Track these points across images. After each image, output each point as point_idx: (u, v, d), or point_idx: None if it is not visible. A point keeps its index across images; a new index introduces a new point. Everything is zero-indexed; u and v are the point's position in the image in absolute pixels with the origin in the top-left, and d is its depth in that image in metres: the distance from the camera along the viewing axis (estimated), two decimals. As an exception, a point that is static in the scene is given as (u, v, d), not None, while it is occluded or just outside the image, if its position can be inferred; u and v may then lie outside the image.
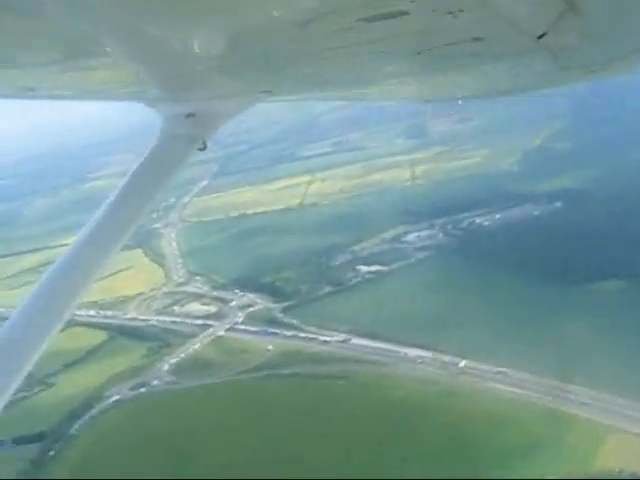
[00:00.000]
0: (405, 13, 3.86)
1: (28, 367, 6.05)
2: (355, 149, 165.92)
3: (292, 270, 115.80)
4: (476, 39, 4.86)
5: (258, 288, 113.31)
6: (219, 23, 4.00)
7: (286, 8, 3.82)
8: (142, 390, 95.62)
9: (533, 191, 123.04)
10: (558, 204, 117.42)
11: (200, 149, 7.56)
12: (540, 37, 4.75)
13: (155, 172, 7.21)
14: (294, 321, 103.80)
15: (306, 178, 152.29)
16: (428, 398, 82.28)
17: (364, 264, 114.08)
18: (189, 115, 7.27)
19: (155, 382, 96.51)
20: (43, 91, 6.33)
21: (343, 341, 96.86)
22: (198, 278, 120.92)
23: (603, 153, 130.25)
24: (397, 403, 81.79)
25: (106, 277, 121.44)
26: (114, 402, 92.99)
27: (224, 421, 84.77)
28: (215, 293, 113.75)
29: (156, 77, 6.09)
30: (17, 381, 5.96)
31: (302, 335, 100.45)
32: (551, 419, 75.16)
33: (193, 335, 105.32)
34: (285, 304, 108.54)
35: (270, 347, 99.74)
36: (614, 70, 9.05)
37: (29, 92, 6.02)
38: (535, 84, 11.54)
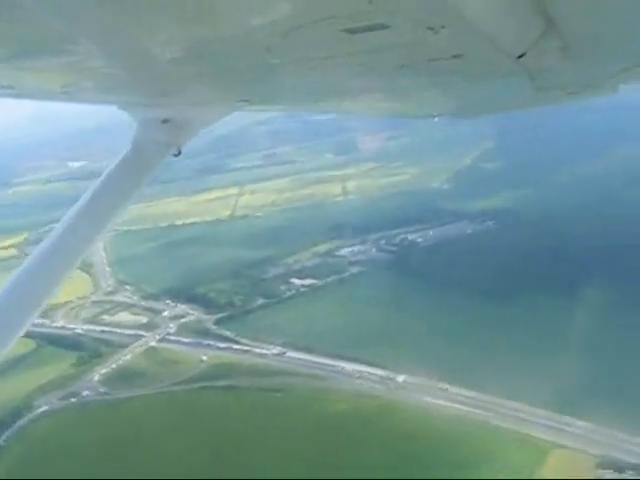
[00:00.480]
0: (386, 27, 3.87)
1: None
2: (285, 162, 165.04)
3: (224, 282, 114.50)
4: (456, 56, 4.88)
5: (190, 299, 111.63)
6: (197, 30, 3.99)
7: (266, 17, 3.76)
8: (72, 400, 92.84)
9: (465, 209, 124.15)
10: (490, 223, 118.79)
11: (175, 155, 7.68)
12: (520, 57, 4.82)
13: (128, 176, 7.35)
14: (228, 333, 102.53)
15: (236, 190, 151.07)
16: (368, 412, 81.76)
17: (297, 277, 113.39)
18: (165, 121, 7.38)
19: (86, 392, 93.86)
20: (18, 89, 6.20)
21: (279, 354, 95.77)
22: (128, 287, 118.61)
23: (533, 173, 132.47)
24: (337, 417, 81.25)
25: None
26: (43, 412, 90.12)
27: (158, 433, 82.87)
28: (145, 303, 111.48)
29: (133, 81, 6.07)
30: None
31: (236, 347, 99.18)
32: (493, 435, 75.46)
33: (124, 345, 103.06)
34: (218, 316, 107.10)
35: (204, 357, 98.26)
36: (592, 93, 9.57)
37: (6, 90, 5.95)
38: (513, 105, 12.10)
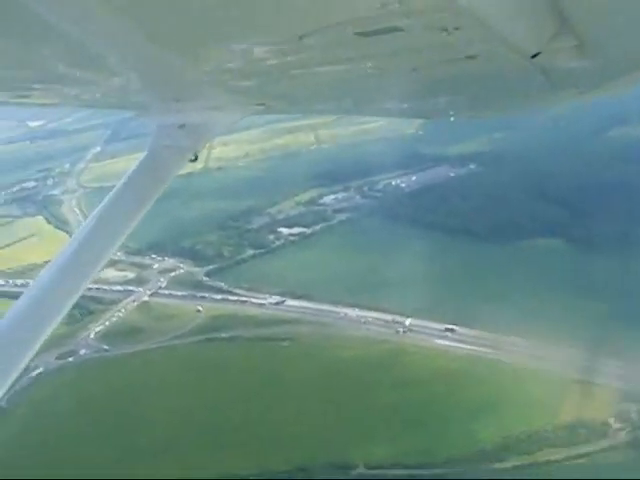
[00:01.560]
0: (400, 29, 3.89)
1: (25, 361, 6.33)
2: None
3: (211, 234, 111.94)
4: (470, 57, 4.92)
5: (177, 252, 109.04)
6: (213, 34, 4.00)
7: (281, 20, 3.77)
8: (70, 359, 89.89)
9: (444, 154, 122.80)
10: (472, 166, 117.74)
11: (191, 160, 7.81)
12: (534, 56, 4.82)
13: (146, 181, 7.42)
14: (222, 284, 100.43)
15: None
16: (379, 357, 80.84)
17: (284, 226, 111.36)
18: (181, 126, 7.45)
19: (83, 351, 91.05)
20: (34, 98, 6.47)
21: (277, 303, 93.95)
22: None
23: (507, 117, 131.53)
24: (349, 362, 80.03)
25: (7, 246, 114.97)
26: (42, 372, 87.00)
27: (169, 387, 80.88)
28: (130, 258, 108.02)
29: (149, 87, 6.18)
30: (15, 373, 6.24)
31: (233, 298, 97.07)
32: (508, 373, 74.86)
33: (115, 301, 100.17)
34: (209, 268, 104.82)
35: (200, 308, 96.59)
36: (606, 91, 9.68)
37: (22, 99, 6.29)
38: (527, 103, 12.24)
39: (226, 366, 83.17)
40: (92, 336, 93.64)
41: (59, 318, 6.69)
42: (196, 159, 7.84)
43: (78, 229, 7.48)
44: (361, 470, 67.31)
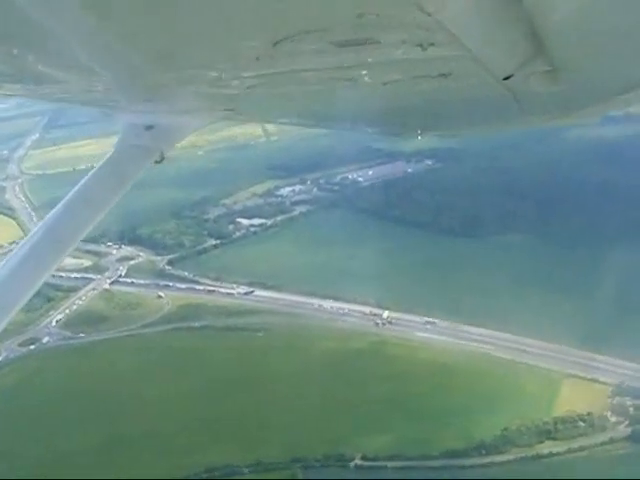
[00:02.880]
0: (375, 41, 3.84)
1: None
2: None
3: (167, 223, 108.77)
4: (442, 75, 4.88)
5: (133, 241, 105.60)
6: (184, 37, 3.92)
7: (255, 26, 3.69)
8: (32, 347, 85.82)
9: (397, 150, 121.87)
10: (429, 162, 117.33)
11: (157, 162, 7.60)
12: (506, 79, 4.76)
13: (110, 180, 7.31)
14: (185, 273, 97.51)
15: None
16: (363, 349, 79.48)
17: (243, 217, 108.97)
18: (148, 127, 7.30)
19: (46, 339, 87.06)
20: (3, 89, 6.52)
21: (247, 293, 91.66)
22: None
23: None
24: (332, 354, 78.24)
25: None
26: (2, 361, 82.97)
27: (141, 375, 78.02)
28: (87, 246, 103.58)
29: (118, 86, 6.02)
30: None
31: (199, 288, 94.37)
32: (499, 367, 74.37)
33: (74, 289, 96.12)
34: (169, 257, 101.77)
35: (165, 298, 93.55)
36: (577, 118, 10.10)
37: None
38: (497, 125, 12.21)
39: (201, 355, 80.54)
40: (54, 324, 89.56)
41: (20, 306, 6.66)
42: (162, 160, 7.61)
43: (40, 222, 7.31)
44: (358, 462, 65.68)
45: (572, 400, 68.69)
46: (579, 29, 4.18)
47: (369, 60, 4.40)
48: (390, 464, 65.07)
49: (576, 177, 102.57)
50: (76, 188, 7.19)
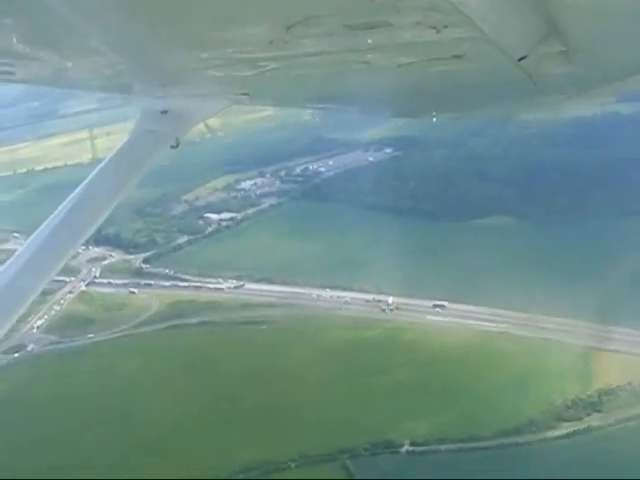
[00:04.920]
0: (389, 24, 3.82)
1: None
2: (125, 105, 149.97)
3: (133, 221, 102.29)
4: (457, 56, 4.85)
5: (101, 241, 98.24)
6: (199, 22, 3.91)
7: (270, 10, 3.67)
8: (16, 355, 78.88)
9: (353, 139, 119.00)
10: (388, 150, 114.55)
11: (172, 146, 7.77)
12: (520, 59, 4.83)
13: (126, 164, 7.50)
14: (166, 271, 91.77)
15: (86, 134, 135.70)
16: (379, 335, 75.84)
17: (211, 212, 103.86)
18: (164, 112, 7.46)
19: (31, 346, 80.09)
20: (20, 75, 6.45)
21: (237, 287, 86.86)
22: (17, 235, 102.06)
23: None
24: (346, 342, 74.54)
25: None
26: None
27: (148, 375, 72.59)
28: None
29: (134, 71, 6.19)
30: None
31: (183, 284, 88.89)
32: (524, 345, 72.12)
33: (49, 292, 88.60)
34: (144, 255, 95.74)
35: (135, 290, 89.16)
36: (591, 98, 10.10)
37: (7, 75, 6.19)
38: (511, 106, 12.44)
39: (208, 351, 75.58)
40: (35, 330, 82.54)
41: (28, 302, 6.73)
42: (177, 145, 7.62)
43: (59, 206, 7.08)
44: (409, 447, 62.22)
45: (606, 372, 66.86)
46: (592, 9, 4.04)
47: (383, 43, 4.32)
48: (443, 447, 61.68)
49: (542, 159, 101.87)
50: (93, 173, 7.26)
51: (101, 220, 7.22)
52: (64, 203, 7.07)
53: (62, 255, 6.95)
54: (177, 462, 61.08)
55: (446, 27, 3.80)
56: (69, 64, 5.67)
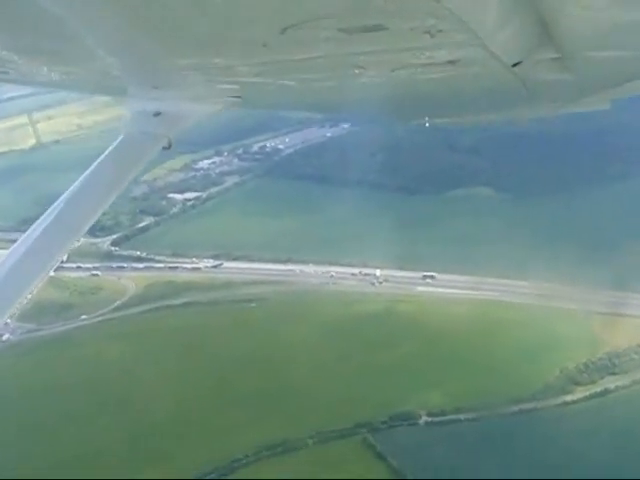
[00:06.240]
0: (384, 28, 3.76)
1: None
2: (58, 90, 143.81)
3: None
4: (450, 62, 4.77)
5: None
6: (193, 24, 3.86)
7: (264, 12, 3.60)
8: (-8, 345, 74.37)
9: (305, 116, 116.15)
10: (345, 125, 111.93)
11: (165, 148, 7.61)
12: (514, 65, 4.75)
13: (118, 166, 7.31)
14: (137, 253, 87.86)
15: (25, 119, 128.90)
16: (375, 308, 73.86)
17: (174, 192, 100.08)
18: (156, 113, 7.30)
19: (7, 335, 75.44)
20: (13, 75, 6.45)
21: (215, 266, 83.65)
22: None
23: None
24: (342, 317, 72.40)
25: None
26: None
27: (140, 359, 69.27)
28: (7, 235, 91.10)
29: (127, 72, 5.97)
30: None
31: (159, 265, 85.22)
32: (519, 312, 71.10)
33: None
34: (111, 237, 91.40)
35: (122, 279, 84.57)
36: (584, 105, 9.56)
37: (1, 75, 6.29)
38: (504, 113, 12.01)
39: (200, 332, 72.32)
40: (8, 319, 77.61)
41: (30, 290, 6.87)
42: (170, 147, 7.52)
43: (50, 208, 7.00)
44: (427, 418, 60.60)
45: (612, 336, 66.37)
46: (587, 16, 4.01)
47: (377, 47, 4.24)
48: (461, 417, 60.26)
49: (507, 129, 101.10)
50: (85, 174, 7.14)
51: (93, 220, 7.02)
52: (56, 203, 6.92)
53: (54, 255, 6.81)
54: (190, 446, 58.13)
55: (440, 32, 3.72)
56: (61, 66, 5.57)
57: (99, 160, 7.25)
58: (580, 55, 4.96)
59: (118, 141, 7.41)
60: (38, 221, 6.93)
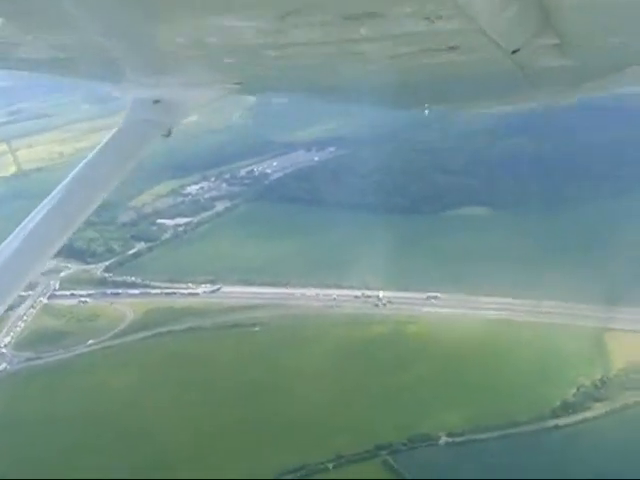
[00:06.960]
0: (383, 15, 3.78)
1: None
2: (39, 117, 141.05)
3: (85, 230, 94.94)
4: (451, 48, 4.76)
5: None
6: (193, 10, 3.83)
7: None
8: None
9: (291, 141, 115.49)
10: (332, 149, 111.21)
11: (164, 135, 7.41)
12: (514, 52, 4.73)
13: (117, 154, 7.11)
14: (132, 279, 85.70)
15: (4, 147, 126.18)
16: (381, 330, 72.67)
17: (164, 218, 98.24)
18: (156, 101, 7.16)
19: (3, 365, 72.99)
20: (13, 61, 6.33)
21: (213, 291, 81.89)
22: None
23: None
24: (349, 339, 71.06)
25: None
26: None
27: (146, 385, 67.37)
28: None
29: (127, 59, 5.89)
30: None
31: (155, 292, 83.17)
32: (532, 331, 70.30)
33: (9, 308, 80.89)
34: (104, 264, 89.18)
35: (119, 306, 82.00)
36: (584, 92, 9.73)
37: (2, 61, 6.29)
38: (504, 100, 12.07)
39: (204, 357, 70.66)
40: (3, 348, 75.33)
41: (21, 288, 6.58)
42: (169, 134, 7.36)
43: (51, 193, 6.79)
44: (447, 439, 59.42)
45: (626, 351, 65.79)
46: (586, 3, 4.00)
47: (377, 33, 4.22)
48: (481, 437, 59.10)
49: (495, 150, 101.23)
50: (85, 162, 6.97)
51: (92, 209, 6.87)
52: (54, 192, 6.74)
53: (53, 242, 6.66)
54: (207, 474, 56.30)
55: (440, 18, 3.72)
56: (60, 51, 5.41)
57: (99, 148, 7.04)
58: (579, 42, 4.91)
59: (118, 128, 7.20)
60: (37, 208, 6.65)
